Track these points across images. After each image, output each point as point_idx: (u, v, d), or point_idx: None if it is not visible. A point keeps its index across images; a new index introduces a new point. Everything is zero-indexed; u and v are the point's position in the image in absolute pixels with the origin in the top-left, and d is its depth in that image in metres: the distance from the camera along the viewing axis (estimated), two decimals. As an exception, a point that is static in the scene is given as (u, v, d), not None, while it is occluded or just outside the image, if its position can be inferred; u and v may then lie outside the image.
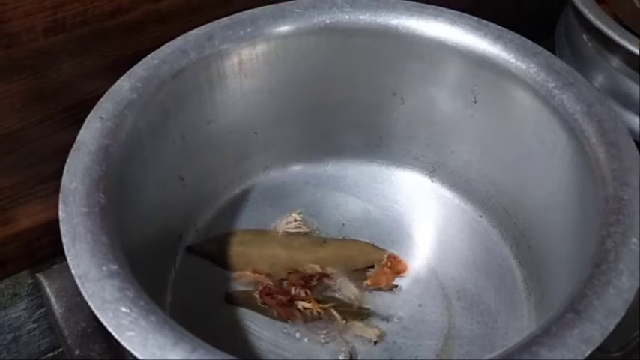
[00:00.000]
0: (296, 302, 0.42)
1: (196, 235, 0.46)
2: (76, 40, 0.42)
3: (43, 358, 0.57)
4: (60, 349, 0.56)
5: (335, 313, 0.42)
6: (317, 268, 0.44)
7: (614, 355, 0.43)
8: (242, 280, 0.44)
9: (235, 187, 0.48)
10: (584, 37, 0.52)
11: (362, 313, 0.42)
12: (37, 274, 0.48)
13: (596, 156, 0.36)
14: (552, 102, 0.39)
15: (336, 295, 0.43)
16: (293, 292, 0.42)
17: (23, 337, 0.54)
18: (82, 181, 0.33)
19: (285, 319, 0.42)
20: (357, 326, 0.42)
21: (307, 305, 0.42)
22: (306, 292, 0.42)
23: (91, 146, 0.35)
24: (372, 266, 0.45)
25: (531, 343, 0.28)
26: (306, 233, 0.47)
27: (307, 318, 0.42)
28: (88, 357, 0.43)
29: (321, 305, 0.42)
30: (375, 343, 0.41)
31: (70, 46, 0.42)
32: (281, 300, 0.42)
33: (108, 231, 0.32)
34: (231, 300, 0.43)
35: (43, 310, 0.53)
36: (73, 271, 0.30)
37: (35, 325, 0.54)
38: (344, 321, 0.42)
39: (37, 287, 0.49)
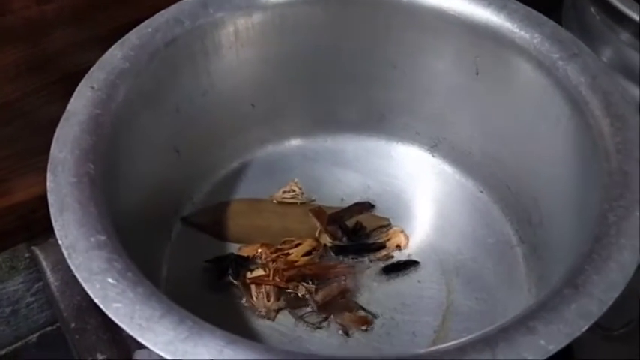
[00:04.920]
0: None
1: (193, 208, 0.45)
2: (70, 9, 0.41)
3: (42, 331, 0.57)
4: (59, 323, 0.56)
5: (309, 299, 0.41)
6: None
7: (616, 332, 0.43)
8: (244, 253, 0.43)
9: (233, 161, 0.48)
10: (592, 9, 0.50)
11: (348, 305, 0.41)
12: (33, 247, 0.48)
13: (600, 129, 0.35)
14: (556, 73, 0.38)
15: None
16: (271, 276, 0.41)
17: (22, 311, 0.54)
18: (71, 150, 0.33)
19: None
20: (346, 316, 0.41)
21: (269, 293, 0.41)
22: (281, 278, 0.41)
23: (81, 116, 0.34)
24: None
25: (529, 317, 0.28)
26: (302, 203, 0.46)
27: (269, 312, 0.41)
28: (83, 330, 0.43)
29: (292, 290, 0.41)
30: (366, 329, 0.40)
31: (64, 15, 0.41)
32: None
33: (97, 202, 0.31)
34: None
35: (40, 283, 0.53)
36: (60, 242, 0.30)
37: (33, 299, 0.54)
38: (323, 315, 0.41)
39: (34, 261, 0.49)
